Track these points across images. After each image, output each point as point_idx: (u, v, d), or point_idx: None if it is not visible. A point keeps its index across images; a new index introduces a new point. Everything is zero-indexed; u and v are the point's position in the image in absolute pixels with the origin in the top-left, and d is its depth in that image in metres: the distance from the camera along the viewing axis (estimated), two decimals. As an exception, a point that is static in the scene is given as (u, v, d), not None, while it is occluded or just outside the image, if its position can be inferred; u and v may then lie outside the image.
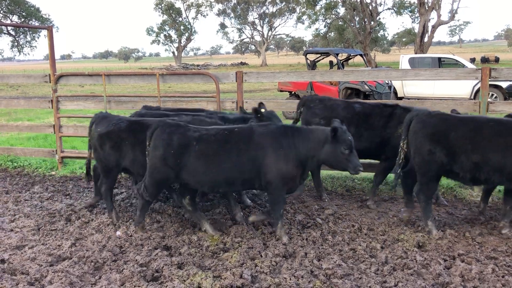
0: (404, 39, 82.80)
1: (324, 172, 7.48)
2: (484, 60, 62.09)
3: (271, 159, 4.78)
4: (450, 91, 15.93)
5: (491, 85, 15.63)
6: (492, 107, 6.42)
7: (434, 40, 52.57)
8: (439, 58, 17.89)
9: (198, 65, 72.11)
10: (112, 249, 4.77)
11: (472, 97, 15.59)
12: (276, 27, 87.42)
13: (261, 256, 4.54)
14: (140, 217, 5.30)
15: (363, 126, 5.96)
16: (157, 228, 5.40)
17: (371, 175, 7.16)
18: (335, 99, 6.56)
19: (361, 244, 4.82)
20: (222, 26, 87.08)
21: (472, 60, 60.20)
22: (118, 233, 5.27)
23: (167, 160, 4.90)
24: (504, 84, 15.60)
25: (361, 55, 16.87)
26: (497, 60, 61.26)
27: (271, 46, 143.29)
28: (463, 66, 16.72)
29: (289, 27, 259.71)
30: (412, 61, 17.95)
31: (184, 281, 4.06)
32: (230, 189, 5.31)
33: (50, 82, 8.29)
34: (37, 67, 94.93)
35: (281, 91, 16.81)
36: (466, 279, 4.06)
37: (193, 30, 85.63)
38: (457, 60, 17.47)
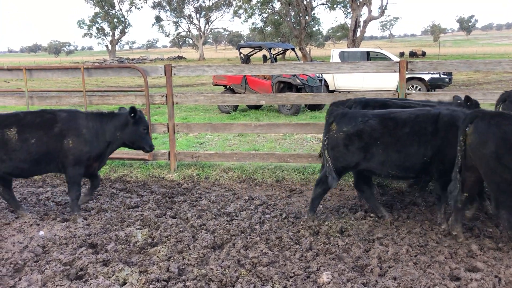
0: (338, 34, 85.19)
1: (255, 164, 7.63)
2: (412, 54, 65.38)
3: None
4: (378, 84, 16.65)
5: (415, 78, 16.57)
6: (409, 98, 6.82)
7: (366, 34, 54.66)
8: (368, 52, 18.66)
9: (133, 59, 70.23)
10: (34, 250, 4.60)
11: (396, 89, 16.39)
12: (213, 21, 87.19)
13: (189, 249, 4.57)
14: (457, 223, 4.69)
15: None
16: (83, 226, 5.27)
17: (299, 165, 7.40)
18: None
19: (287, 232, 4.97)
20: (158, 19, 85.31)
21: (402, 54, 63.22)
22: (41, 233, 5.09)
23: (501, 159, 4.07)
24: (426, 77, 16.56)
25: (293, 49, 17.20)
26: (423, 54, 64.67)
27: (209, 40, 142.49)
28: (390, 59, 17.53)
29: (226, 21, 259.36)
30: (342, 55, 18.59)
31: (109, 277, 4.01)
32: None
33: (-35, 77, 7.78)
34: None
35: (216, 85, 16.80)
36: (383, 260, 4.31)
37: (127, 23, 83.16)
38: (384, 54, 18.29)
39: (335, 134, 5.11)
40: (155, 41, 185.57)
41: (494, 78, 27.38)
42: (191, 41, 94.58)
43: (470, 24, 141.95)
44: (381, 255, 4.39)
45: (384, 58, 18.05)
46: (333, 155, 5.14)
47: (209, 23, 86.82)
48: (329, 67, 7.05)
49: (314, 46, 79.23)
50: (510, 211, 4.25)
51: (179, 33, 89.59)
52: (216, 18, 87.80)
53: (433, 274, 4.00)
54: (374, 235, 4.88)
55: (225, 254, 4.44)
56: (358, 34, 47.61)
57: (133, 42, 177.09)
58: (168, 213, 5.65)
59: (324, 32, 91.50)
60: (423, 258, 4.28)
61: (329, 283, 3.83)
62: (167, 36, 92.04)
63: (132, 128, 5.66)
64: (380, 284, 3.85)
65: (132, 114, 5.61)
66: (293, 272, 4.07)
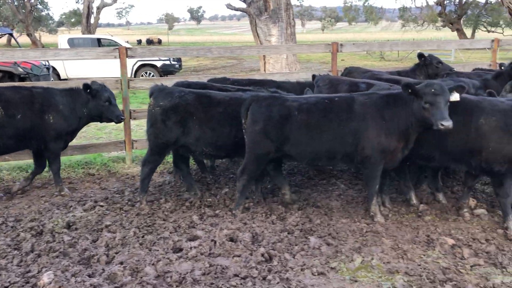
0: (72, 20, 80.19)
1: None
2: (149, 42, 66.72)
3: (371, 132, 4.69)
4: (112, 72, 16.40)
5: (149, 65, 17.06)
6: (132, 84, 6.94)
7: (103, 22, 53.10)
8: (99, 39, 18.20)
9: None
10: None
11: (133, 76, 16.52)
12: None
13: None
14: (240, 200, 5.04)
15: None
16: None
17: (21, 163, 6.75)
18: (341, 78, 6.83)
19: (4, 238, 4.46)
20: None
21: (139, 42, 63.75)
22: None
23: (268, 134, 4.70)
24: (158, 64, 17.19)
25: (11, 34, 15.37)
26: (160, 42, 66.73)
27: None
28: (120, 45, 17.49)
29: None
30: (71, 42, 17.61)
31: None
32: (331, 163, 5.29)
33: None
34: None
35: None
36: (110, 247, 4.31)
37: None
38: (115, 41, 18.17)
39: (152, 108, 5.16)
40: None
41: (220, 64, 30.43)
42: None
43: (199, 14, 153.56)
44: (109, 242, 4.39)
45: (116, 45, 17.90)
46: (151, 131, 5.20)
47: None
48: (44, 54, 6.55)
49: (45, 32, 72.56)
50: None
51: None
52: None
53: (158, 250, 4.22)
54: (103, 224, 4.83)
55: None
56: (92, 20, 45.79)
57: None
58: None
59: (57, 18, 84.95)
60: (150, 237, 4.47)
61: (50, 283, 3.61)
62: None
63: (93, 103, 5.71)
64: (106, 272, 3.85)
65: (88, 90, 5.67)
66: (9, 281, 3.69)
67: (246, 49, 7.39)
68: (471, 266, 3.92)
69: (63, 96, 5.71)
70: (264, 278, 3.77)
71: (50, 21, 70.74)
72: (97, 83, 5.85)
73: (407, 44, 10.06)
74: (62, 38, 17.68)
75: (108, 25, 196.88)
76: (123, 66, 6.69)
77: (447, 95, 4.40)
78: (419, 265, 3.95)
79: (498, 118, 4.53)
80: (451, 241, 4.33)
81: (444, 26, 46.69)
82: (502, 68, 7.13)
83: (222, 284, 3.67)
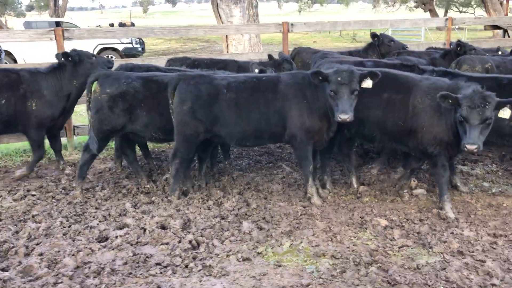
0: (42, 4, 78.08)
1: None
2: (122, 25, 65.21)
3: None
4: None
5: (110, 48, 16.61)
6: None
7: (76, 6, 51.65)
8: (57, 22, 17.58)
9: None
10: None
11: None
12: None
13: None
14: (174, 185, 4.85)
15: None
16: None
17: None
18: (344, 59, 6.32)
19: None
20: None
21: (111, 26, 62.46)
22: None
23: (196, 114, 4.55)
24: (120, 47, 16.73)
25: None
26: (133, 25, 65.23)
27: None
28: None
29: None
30: (28, 25, 16.98)
31: None
32: (259, 143, 5.18)
33: None
34: None
35: None
36: (32, 238, 4.12)
37: None
38: (75, 25, 17.58)
39: (98, 95, 4.87)
40: None
41: (190, 47, 29.92)
42: None
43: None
44: (32, 233, 4.20)
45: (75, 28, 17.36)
46: (96, 117, 4.94)
47: None
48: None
49: (13, 16, 70.41)
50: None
51: None
52: None
53: (81, 240, 4.04)
54: (30, 214, 4.62)
55: None
56: (61, 3, 44.48)
57: None
58: None
59: (27, 1, 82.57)
60: (76, 227, 4.28)
61: (-44, 278, 3.41)
62: None
63: (82, 66, 5.57)
64: (23, 265, 3.67)
65: (69, 58, 5.52)
66: None
67: (192, 29, 7.15)
68: (399, 247, 3.87)
69: (48, 79, 5.57)
70: (186, 266, 3.65)
71: (18, 5, 68.69)
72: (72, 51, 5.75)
73: (359, 24, 9.98)
74: (18, 22, 17.05)
75: (81, 9, 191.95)
76: (59, 48, 6.40)
77: (354, 85, 4.29)
78: (348, 247, 3.88)
79: (431, 97, 4.45)
80: (384, 222, 4.27)
81: (417, 7, 46.79)
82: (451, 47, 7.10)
83: (141, 274, 3.54)
